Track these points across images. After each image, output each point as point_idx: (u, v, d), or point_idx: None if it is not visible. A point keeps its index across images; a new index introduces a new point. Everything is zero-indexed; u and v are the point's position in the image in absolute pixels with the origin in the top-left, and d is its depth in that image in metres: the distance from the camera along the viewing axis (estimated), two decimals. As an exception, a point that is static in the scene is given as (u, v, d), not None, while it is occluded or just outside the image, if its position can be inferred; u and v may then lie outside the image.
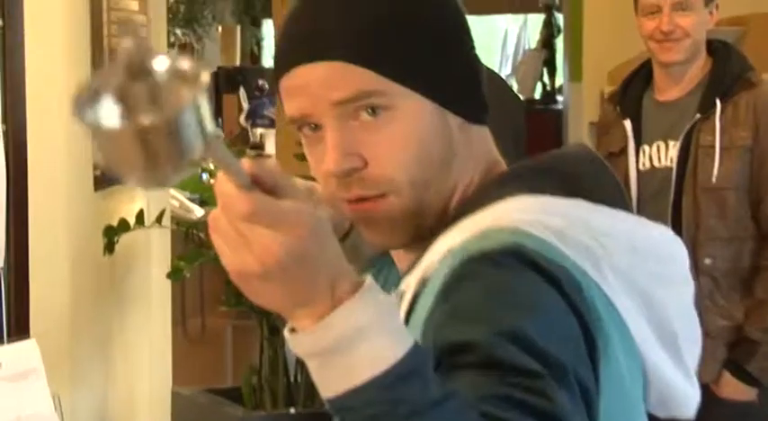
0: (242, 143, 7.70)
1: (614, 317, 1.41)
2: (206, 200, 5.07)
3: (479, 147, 1.52)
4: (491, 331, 1.26)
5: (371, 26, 1.44)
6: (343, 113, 1.35)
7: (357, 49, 1.40)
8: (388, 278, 1.54)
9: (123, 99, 0.86)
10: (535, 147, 3.49)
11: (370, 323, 1.07)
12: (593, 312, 1.35)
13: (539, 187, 1.47)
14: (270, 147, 7.13)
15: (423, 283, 1.43)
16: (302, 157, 3.60)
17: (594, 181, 1.54)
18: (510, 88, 6.84)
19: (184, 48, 11.11)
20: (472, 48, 1.53)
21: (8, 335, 3.40)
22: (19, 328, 3.53)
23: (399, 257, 1.51)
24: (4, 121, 3.50)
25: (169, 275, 4.35)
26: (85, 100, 0.90)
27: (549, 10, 11.29)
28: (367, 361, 1.06)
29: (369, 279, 1.09)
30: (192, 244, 4.70)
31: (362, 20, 1.45)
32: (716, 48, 3.59)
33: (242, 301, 4.17)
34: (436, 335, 1.28)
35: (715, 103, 3.49)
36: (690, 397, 1.51)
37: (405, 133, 1.41)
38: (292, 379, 4.24)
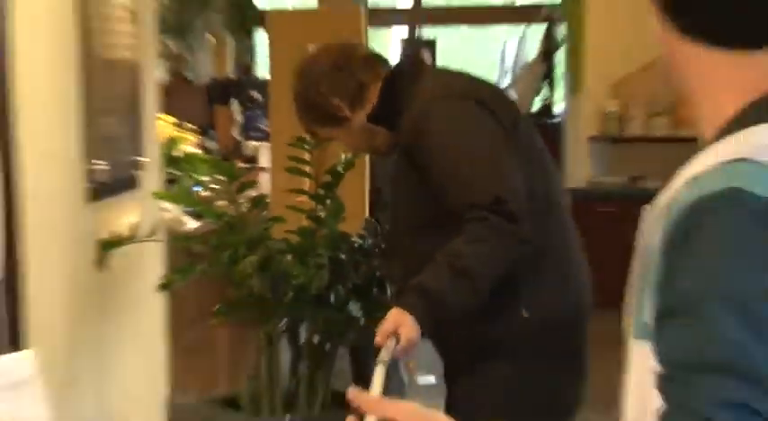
0: (235, 156, 7.45)
1: None
2: (200, 213, 4.92)
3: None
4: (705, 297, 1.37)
5: None
6: None
7: None
8: None
9: None
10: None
11: None
12: None
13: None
14: (264, 161, 6.86)
15: (671, 203, 1.48)
16: (295, 171, 3.58)
17: None
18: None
19: (177, 59, 10.84)
20: None
21: (6, 348, 3.27)
22: (13, 339, 3.39)
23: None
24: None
25: (159, 287, 4.21)
26: None
27: (550, 21, 10.61)
28: None
29: None
30: (187, 256, 4.57)
31: None
32: None
33: (234, 313, 4.18)
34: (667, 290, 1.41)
35: None
36: None
37: None
38: (290, 385, 4.09)
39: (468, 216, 3.28)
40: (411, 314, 3.23)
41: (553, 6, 10.77)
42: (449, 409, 3.60)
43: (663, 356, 1.50)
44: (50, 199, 3.72)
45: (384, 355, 3.12)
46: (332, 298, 4.01)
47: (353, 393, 1.61)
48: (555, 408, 3.59)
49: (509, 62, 12.37)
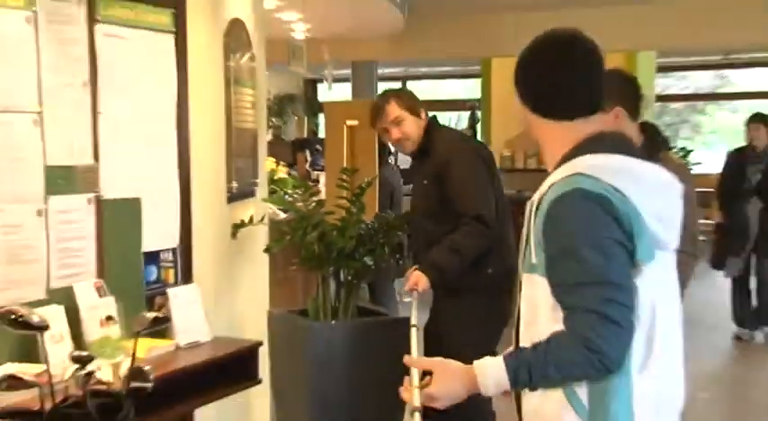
0: (307, 179, 9.21)
1: (637, 215, 2.04)
2: (286, 209, 5.73)
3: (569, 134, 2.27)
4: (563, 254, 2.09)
5: None
6: None
7: None
8: None
9: None
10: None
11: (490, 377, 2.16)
12: (627, 216, 2.03)
13: (602, 148, 2.16)
14: (322, 182, 8.22)
15: (542, 196, 2.15)
16: (340, 187, 5.32)
17: (625, 144, 2.26)
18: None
19: (276, 128, 15.38)
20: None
21: (182, 282, 4.49)
22: (187, 278, 4.55)
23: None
24: (180, 163, 4.52)
25: (264, 250, 5.44)
26: None
27: (472, 109, 15.44)
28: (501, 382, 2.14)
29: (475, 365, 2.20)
30: (279, 233, 5.53)
31: None
32: None
33: (304, 263, 5.25)
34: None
35: None
36: (671, 242, 2.16)
37: None
38: (334, 303, 5.22)
39: (464, 220, 4.61)
40: (426, 276, 4.66)
41: (474, 99, 15.86)
42: (435, 316, 4.89)
43: (560, 281, 2.08)
44: (209, 202, 4.86)
45: (413, 321, 4.03)
46: (357, 255, 5.08)
47: (406, 358, 2.43)
48: (499, 319, 4.64)
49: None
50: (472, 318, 4.81)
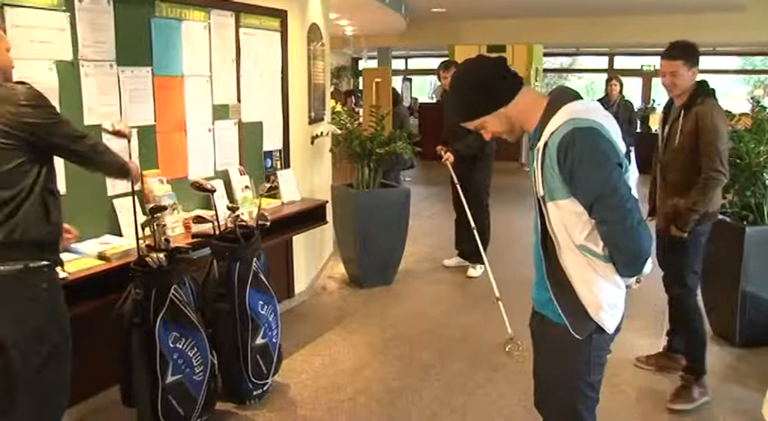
0: (351, 112, 7.54)
1: (614, 140, 1.77)
2: (341, 128, 5.42)
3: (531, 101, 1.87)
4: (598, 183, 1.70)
5: None
6: None
7: None
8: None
9: None
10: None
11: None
12: (613, 142, 1.76)
13: (566, 100, 1.82)
14: (361, 113, 7.54)
15: (545, 143, 1.77)
16: (372, 115, 5.08)
17: (572, 94, 1.87)
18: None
19: (336, 84, 14.97)
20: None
21: (284, 167, 4.62)
22: (286, 165, 4.69)
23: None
24: (283, 102, 4.61)
25: (329, 151, 5.56)
26: None
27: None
28: None
29: None
30: (336, 142, 5.46)
31: None
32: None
33: (351, 158, 5.20)
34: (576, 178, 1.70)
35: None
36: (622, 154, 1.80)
37: None
38: (367, 180, 5.25)
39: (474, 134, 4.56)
40: (452, 153, 5.08)
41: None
42: (460, 175, 4.97)
43: (602, 203, 1.72)
44: (298, 123, 4.90)
45: (497, 294, 3.75)
46: (381, 152, 5.10)
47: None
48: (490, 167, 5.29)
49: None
50: (479, 170, 5.39)
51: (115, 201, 3.41)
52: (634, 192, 1.76)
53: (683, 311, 3.41)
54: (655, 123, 12.06)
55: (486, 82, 1.80)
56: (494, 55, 1.88)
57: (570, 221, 1.75)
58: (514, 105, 1.82)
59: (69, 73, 3.10)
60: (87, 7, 3.16)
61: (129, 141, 2.92)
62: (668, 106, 3.44)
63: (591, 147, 1.69)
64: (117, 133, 2.86)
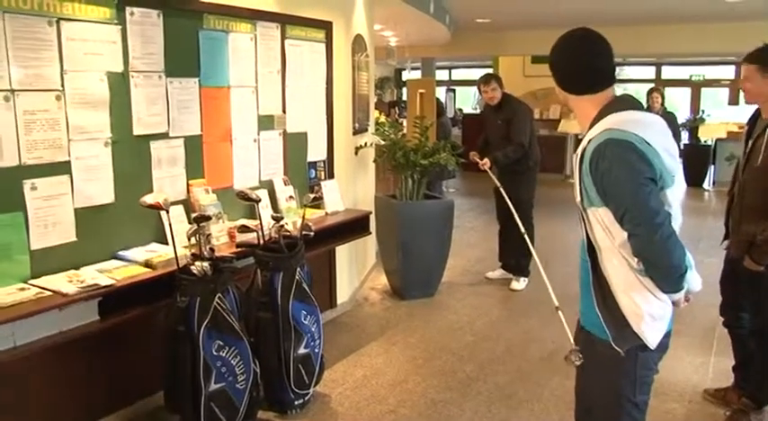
0: (395, 123, 7.42)
1: (657, 155, 1.73)
2: (384, 139, 5.44)
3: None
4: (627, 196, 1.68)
5: None
6: None
7: None
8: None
9: None
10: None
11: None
12: (650, 157, 1.71)
13: (618, 108, 1.82)
14: (405, 124, 7.68)
15: (584, 150, 1.79)
16: (416, 126, 5.19)
17: (632, 102, 1.87)
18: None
19: (379, 95, 15.19)
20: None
21: (328, 178, 4.57)
22: (330, 175, 4.62)
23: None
24: (327, 113, 4.55)
25: (372, 161, 5.57)
26: None
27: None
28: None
29: None
30: (379, 153, 5.44)
31: None
32: None
33: (395, 169, 5.20)
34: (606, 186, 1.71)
35: None
36: (678, 169, 1.80)
37: None
38: (411, 191, 5.25)
39: (514, 144, 5.11)
40: (492, 161, 5.13)
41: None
42: (504, 183, 4.85)
43: (629, 216, 1.71)
44: (342, 134, 4.87)
45: (556, 303, 2.99)
46: (425, 164, 5.10)
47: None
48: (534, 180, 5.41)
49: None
50: (523, 182, 5.43)
51: (162, 210, 3.29)
52: (677, 206, 1.77)
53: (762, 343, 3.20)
54: (705, 134, 11.81)
55: (580, 62, 1.87)
56: (604, 44, 1.91)
57: (610, 228, 1.76)
58: (580, 100, 1.87)
59: (120, 84, 3.13)
60: (138, 20, 3.20)
61: (167, 213, 2.95)
62: (753, 119, 3.14)
63: (619, 161, 1.69)
64: (152, 206, 2.91)
